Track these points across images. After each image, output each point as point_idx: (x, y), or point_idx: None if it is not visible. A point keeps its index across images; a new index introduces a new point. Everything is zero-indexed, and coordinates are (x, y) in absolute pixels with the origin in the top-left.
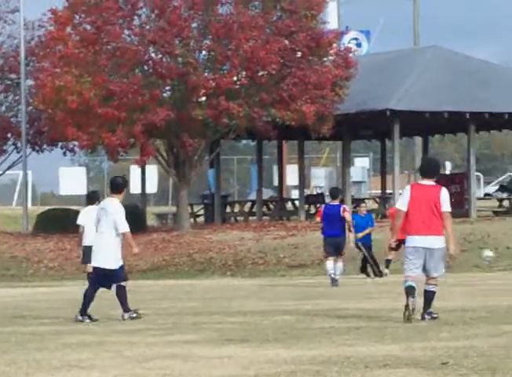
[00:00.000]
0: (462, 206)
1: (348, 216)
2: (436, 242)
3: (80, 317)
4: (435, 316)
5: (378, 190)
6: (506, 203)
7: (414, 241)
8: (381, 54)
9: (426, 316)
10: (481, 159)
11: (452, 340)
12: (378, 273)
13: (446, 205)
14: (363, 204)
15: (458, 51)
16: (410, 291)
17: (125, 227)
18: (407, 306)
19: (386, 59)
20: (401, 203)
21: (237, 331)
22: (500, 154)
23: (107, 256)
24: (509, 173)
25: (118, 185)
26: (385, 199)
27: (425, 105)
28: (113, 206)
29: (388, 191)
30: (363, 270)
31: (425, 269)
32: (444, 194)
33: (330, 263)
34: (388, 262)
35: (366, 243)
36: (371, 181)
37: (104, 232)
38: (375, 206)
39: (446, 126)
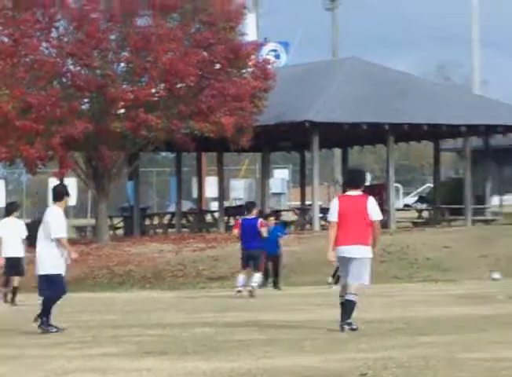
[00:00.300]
0: (381, 218)
1: (263, 231)
2: (360, 251)
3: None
4: (354, 327)
5: (298, 201)
6: (425, 214)
7: (341, 252)
8: (300, 66)
9: (346, 327)
10: (400, 170)
11: (371, 351)
12: (277, 286)
13: (375, 214)
14: (271, 218)
15: (376, 62)
16: (346, 308)
17: (57, 233)
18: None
19: (305, 70)
20: (331, 214)
21: (156, 344)
22: (419, 165)
23: (42, 263)
24: (428, 184)
25: (59, 193)
26: (304, 210)
27: (344, 117)
28: (50, 213)
29: (307, 202)
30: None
31: (350, 278)
32: (372, 203)
33: (241, 277)
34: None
35: (272, 252)
36: (291, 193)
37: (41, 240)
38: (295, 217)
39: (365, 138)
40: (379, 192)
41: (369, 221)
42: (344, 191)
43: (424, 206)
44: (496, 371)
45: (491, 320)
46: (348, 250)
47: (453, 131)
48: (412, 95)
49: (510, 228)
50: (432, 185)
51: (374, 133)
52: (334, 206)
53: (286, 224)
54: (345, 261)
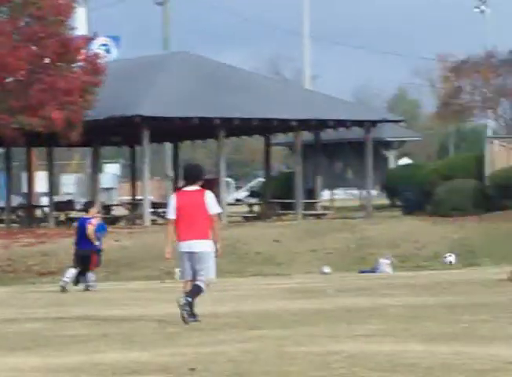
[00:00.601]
0: (220, 211)
1: (89, 229)
2: (201, 246)
3: None
4: (199, 320)
5: (129, 196)
6: (256, 208)
7: (182, 247)
8: (131, 60)
9: (190, 319)
10: (233, 165)
11: (201, 346)
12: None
13: (213, 207)
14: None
15: (209, 57)
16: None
17: None
18: (184, 318)
19: (136, 65)
20: (169, 211)
21: None
22: (251, 159)
23: None
24: (259, 179)
25: None
26: (135, 205)
27: (174, 111)
28: None
29: (138, 197)
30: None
31: (194, 272)
32: (209, 197)
33: (70, 271)
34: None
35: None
36: (122, 188)
37: None
38: (125, 212)
39: (196, 132)
40: (210, 186)
41: (208, 215)
42: (180, 186)
43: (255, 200)
44: (326, 364)
45: (321, 314)
46: (189, 246)
47: (284, 126)
48: (243, 90)
49: (340, 223)
50: (263, 180)
51: (205, 128)
52: (172, 202)
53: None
54: (187, 257)
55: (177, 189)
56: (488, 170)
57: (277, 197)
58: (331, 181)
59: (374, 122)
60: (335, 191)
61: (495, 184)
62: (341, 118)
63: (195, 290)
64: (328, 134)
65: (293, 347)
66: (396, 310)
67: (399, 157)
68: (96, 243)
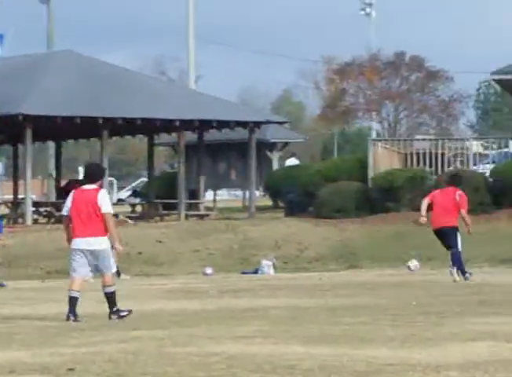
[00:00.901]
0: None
1: None
2: (96, 243)
3: None
4: (123, 314)
5: (11, 195)
6: (138, 209)
7: (76, 243)
8: (14, 58)
9: (113, 316)
10: (117, 164)
11: (81, 346)
12: None
13: (105, 206)
14: None
15: (93, 56)
16: (72, 303)
17: None
18: (68, 317)
19: (19, 63)
20: (65, 208)
21: None
22: (135, 159)
23: None
24: (142, 179)
25: None
26: (17, 204)
27: (58, 110)
28: None
29: (20, 196)
30: None
31: (96, 270)
32: (101, 196)
33: None
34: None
35: None
36: (4, 186)
37: None
38: (7, 211)
39: (79, 131)
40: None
41: (100, 213)
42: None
43: (138, 200)
44: (206, 365)
45: (202, 315)
46: (84, 243)
47: (167, 126)
48: (127, 89)
49: (223, 223)
50: (146, 180)
51: (88, 127)
52: (69, 199)
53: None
54: (82, 254)
55: (74, 187)
56: (371, 173)
57: (160, 197)
58: (215, 182)
59: (257, 123)
60: (219, 191)
61: (378, 186)
62: (225, 118)
63: (113, 298)
64: (212, 135)
65: (173, 348)
66: (278, 312)
67: (287, 157)
68: None
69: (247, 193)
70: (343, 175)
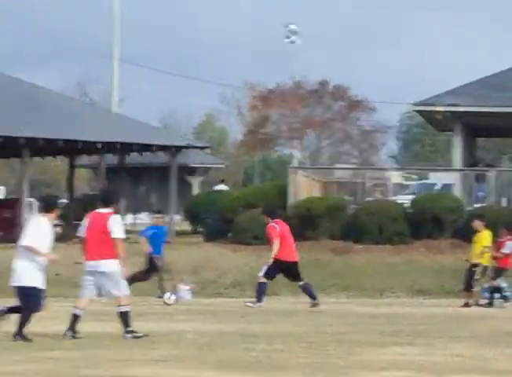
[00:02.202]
0: (14, 232)
1: None
2: (106, 265)
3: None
4: (139, 335)
5: None
6: (57, 230)
7: (88, 266)
8: None
9: (128, 336)
10: (38, 185)
11: None
12: None
13: (114, 231)
14: None
15: (17, 77)
16: (74, 320)
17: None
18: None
19: None
20: (80, 229)
21: None
22: (55, 180)
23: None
24: (62, 200)
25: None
26: None
27: None
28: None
29: None
30: None
31: (107, 293)
32: (112, 221)
33: None
34: None
35: None
36: None
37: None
38: None
39: (0, 151)
40: (13, 206)
41: (109, 237)
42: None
43: (57, 222)
44: None
45: (116, 338)
46: (95, 265)
47: (89, 148)
48: (49, 110)
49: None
50: (66, 201)
51: (9, 147)
52: (83, 222)
53: None
54: (92, 275)
55: (90, 210)
56: (290, 200)
57: (80, 219)
58: (135, 205)
59: (179, 148)
60: (139, 215)
61: (297, 214)
62: (147, 142)
63: (126, 317)
64: (134, 158)
65: (88, 370)
66: (193, 336)
67: (216, 184)
68: None
69: (167, 218)
70: (262, 202)
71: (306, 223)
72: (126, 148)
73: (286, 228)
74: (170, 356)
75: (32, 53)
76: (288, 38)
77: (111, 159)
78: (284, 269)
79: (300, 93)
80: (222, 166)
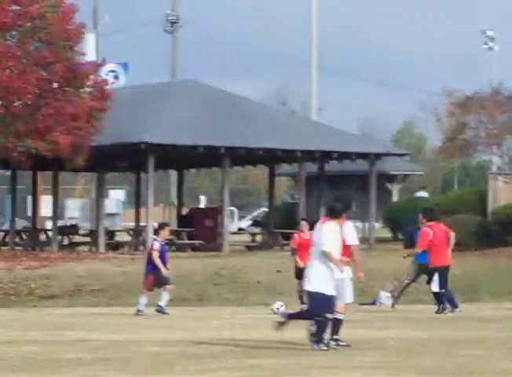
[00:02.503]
0: (216, 240)
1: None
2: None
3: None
4: (342, 343)
5: (133, 222)
6: (258, 238)
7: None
8: (138, 87)
9: (332, 343)
10: (237, 194)
11: (198, 373)
12: None
13: (350, 238)
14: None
15: (216, 86)
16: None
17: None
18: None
19: (143, 92)
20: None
21: None
22: (256, 189)
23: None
24: (262, 209)
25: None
26: (138, 231)
27: (180, 139)
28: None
29: (142, 223)
30: None
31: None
32: (346, 228)
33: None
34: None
35: None
36: (127, 214)
37: None
38: (128, 238)
39: (201, 160)
40: (214, 214)
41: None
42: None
43: (258, 229)
44: None
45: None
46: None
47: (289, 156)
48: (249, 119)
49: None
50: (267, 209)
51: (210, 156)
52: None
53: None
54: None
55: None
56: (490, 206)
57: (280, 227)
58: None
59: (378, 155)
60: None
61: (498, 220)
62: (346, 150)
63: (339, 325)
64: (332, 165)
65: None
66: (394, 343)
67: (417, 190)
68: (160, 265)
69: (367, 225)
70: (461, 208)
71: (506, 229)
72: (326, 156)
73: (440, 232)
74: (373, 362)
75: (230, 63)
76: (486, 44)
77: (311, 167)
78: (429, 272)
79: (498, 99)
80: (421, 172)
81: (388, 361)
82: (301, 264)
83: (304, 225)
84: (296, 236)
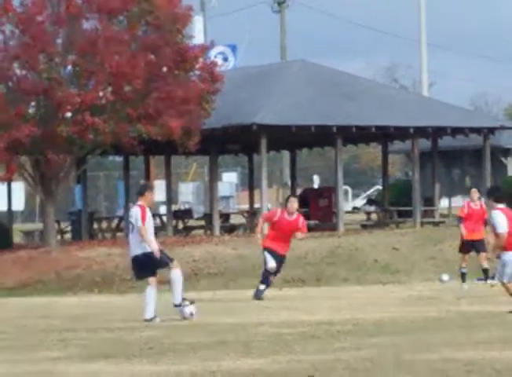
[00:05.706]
0: (331, 220)
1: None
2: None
3: None
4: None
5: (247, 204)
6: (373, 217)
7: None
8: (248, 68)
9: None
10: (350, 173)
11: (318, 353)
12: None
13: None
14: None
15: (325, 65)
16: None
17: None
18: None
19: (253, 73)
20: (501, 225)
21: (103, 347)
22: (369, 167)
23: None
24: (376, 186)
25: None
26: (253, 213)
27: (292, 119)
28: None
29: (256, 205)
30: None
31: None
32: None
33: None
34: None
35: None
36: (240, 196)
37: None
38: (243, 220)
39: (313, 140)
40: (328, 194)
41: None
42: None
43: (372, 208)
44: (443, 371)
45: (439, 322)
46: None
47: (401, 133)
48: (360, 97)
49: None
50: (381, 187)
51: (322, 136)
52: (502, 217)
53: None
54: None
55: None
56: None
57: (395, 205)
58: (449, 189)
59: (492, 129)
60: (453, 198)
61: None
62: (459, 125)
63: None
64: (446, 141)
65: (411, 355)
66: None
67: None
68: None
69: (482, 200)
70: None
71: None
72: (439, 131)
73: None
74: (495, 338)
75: (338, 41)
76: None
77: (424, 143)
78: None
79: None
80: None
81: (509, 337)
82: (466, 235)
83: (474, 191)
84: (465, 204)
